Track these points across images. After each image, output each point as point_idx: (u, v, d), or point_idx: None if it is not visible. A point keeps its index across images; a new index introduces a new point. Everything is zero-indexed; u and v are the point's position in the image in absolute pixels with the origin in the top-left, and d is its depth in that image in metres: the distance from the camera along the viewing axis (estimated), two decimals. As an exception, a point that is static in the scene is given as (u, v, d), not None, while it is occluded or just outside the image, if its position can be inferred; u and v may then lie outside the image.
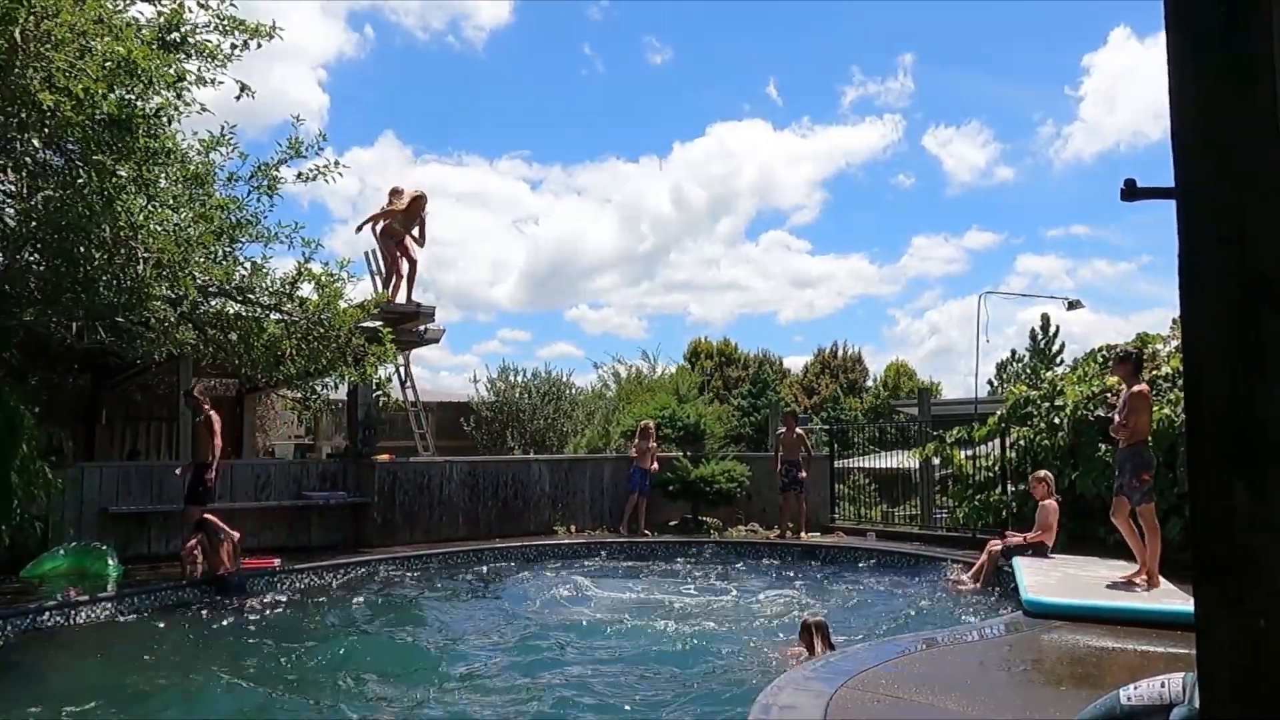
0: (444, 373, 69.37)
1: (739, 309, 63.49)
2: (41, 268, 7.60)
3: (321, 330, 9.11)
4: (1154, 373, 10.25)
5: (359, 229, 13.52)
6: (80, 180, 6.77)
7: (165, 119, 7.32)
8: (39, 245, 7.32)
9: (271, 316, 9.06)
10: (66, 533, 10.22)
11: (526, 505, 13.78)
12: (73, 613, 8.14)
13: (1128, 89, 56.49)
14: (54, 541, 9.94)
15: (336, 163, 8.89)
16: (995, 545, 9.55)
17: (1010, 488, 11.41)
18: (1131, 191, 1.65)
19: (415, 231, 13.29)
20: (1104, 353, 11.59)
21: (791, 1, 59.70)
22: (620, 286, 63.92)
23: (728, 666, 6.68)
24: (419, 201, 13.16)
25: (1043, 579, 7.98)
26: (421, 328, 13.47)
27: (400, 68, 62.55)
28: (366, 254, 14.04)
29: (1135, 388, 7.69)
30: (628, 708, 5.69)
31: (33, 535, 9.61)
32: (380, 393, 11.93)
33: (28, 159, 7.01)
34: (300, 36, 47.26)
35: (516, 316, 65.09)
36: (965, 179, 62.02)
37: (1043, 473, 9.93)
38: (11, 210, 7.55)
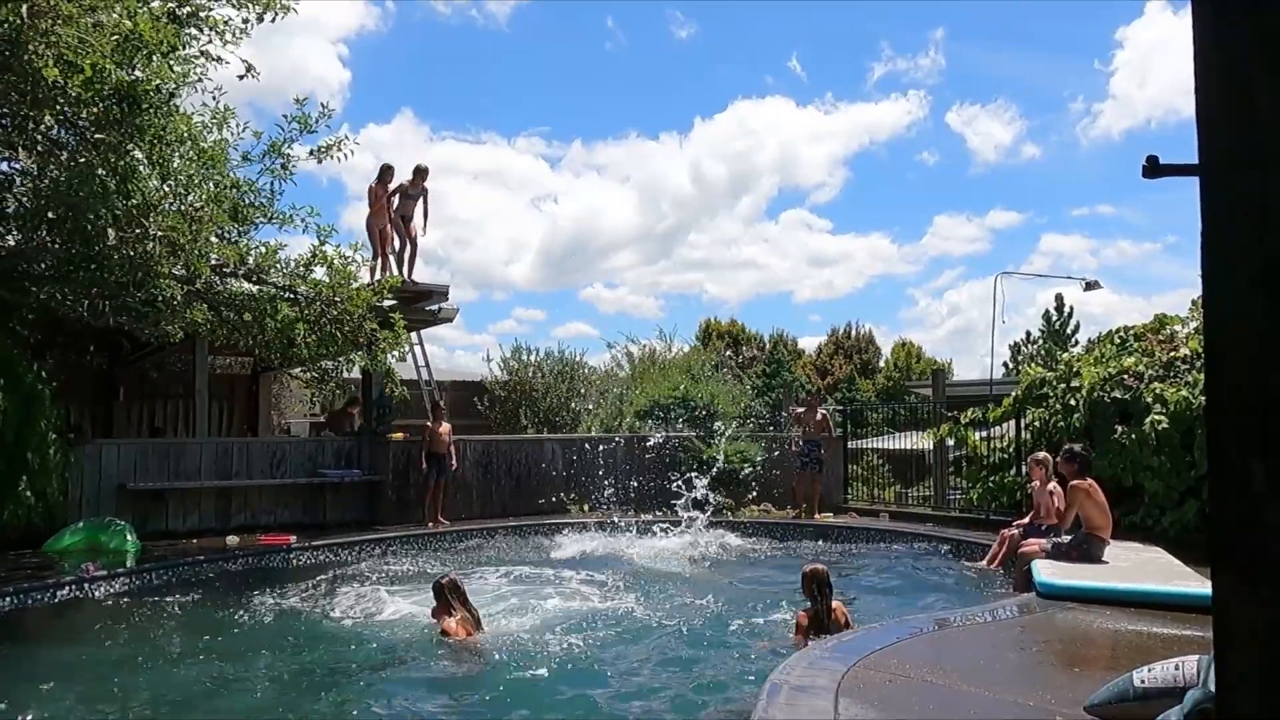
0: (459, 351, 69.44)
1: (756, 288, 63.17)
2: (56, 245, 7.64)
3: (334, 314, 9.14)
4: (1172, 354, 10.15)
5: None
6: (93, 158, 6.78)
7: (170, 92, 7.30)
8: (52, 223, 7.35)
9: (285, 298, 9.08)
10: (84, 509, 10.32)
11: (540, 484, 13.83)
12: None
13: (1160, 63, 54.67)
14: (74, 518, 10.05)
15: (347, 138, 8.91)
16: (1011, 532, 9.34)
17: (1025, 469, 11.34)
18: (1154, 168, 1.62)
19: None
20: (1120, 334, 11.49)
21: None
22: (636, 265, 63.70)
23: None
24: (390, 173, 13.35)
25: (1056, 561, 7.94)
26: (435, 307, 13.48)
27: (420, 43, 62.25)
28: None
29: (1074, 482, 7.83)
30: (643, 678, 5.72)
31: (54, 510, 9.69)
32: (388, 381, 11.99)
33: (38, 136, 7.03)
34: (321, 10, 46.88)
35: (531, 295, 65.12)
36: (990, 157, 61.26)
37: (1042, 455, 9.62)
38: (25, 188, 7.58)
